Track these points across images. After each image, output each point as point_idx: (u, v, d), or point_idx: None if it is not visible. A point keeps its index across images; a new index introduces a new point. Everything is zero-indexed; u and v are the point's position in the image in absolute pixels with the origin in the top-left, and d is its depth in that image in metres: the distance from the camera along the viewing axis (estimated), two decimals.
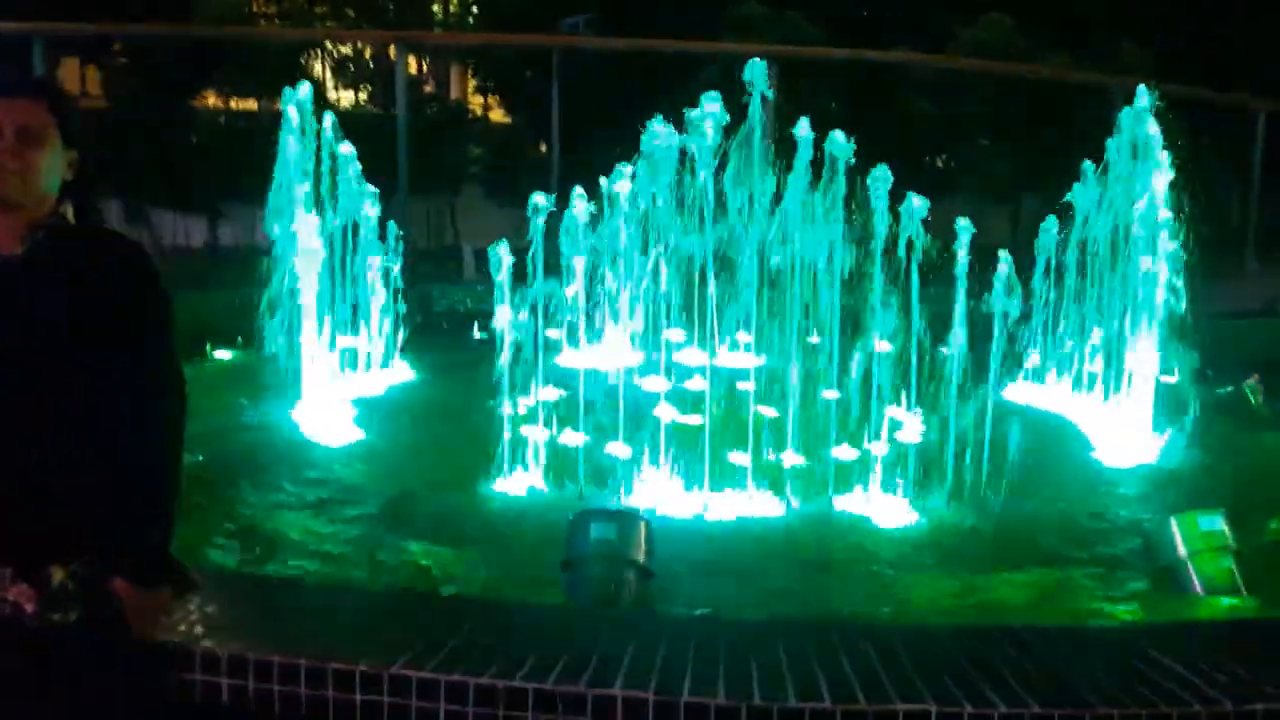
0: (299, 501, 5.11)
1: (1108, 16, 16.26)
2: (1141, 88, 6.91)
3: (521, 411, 5.64)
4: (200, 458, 4.88)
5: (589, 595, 3.69)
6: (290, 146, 6.99)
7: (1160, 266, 6.60)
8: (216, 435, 5.59)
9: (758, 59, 5.49)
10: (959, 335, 5.57)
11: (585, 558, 3.76)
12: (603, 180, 6.41)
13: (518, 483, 5.38)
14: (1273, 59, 16.32)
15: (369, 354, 7.75)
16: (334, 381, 6.91)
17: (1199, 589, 4.14)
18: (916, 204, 5.18)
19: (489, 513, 5.09)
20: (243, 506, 4.90)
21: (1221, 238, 6.67)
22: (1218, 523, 4.21)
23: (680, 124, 5.51)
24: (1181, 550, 4.19)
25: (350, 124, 8.18)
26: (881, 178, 5.28)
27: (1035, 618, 3.88)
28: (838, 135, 5.54)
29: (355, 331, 7.64)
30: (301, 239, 6.65)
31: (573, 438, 5.55)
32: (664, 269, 5.67)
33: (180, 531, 2.20)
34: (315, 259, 6.72)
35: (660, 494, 5.16)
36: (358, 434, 6.31)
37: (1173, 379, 6.71)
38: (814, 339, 5.99)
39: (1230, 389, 7.43)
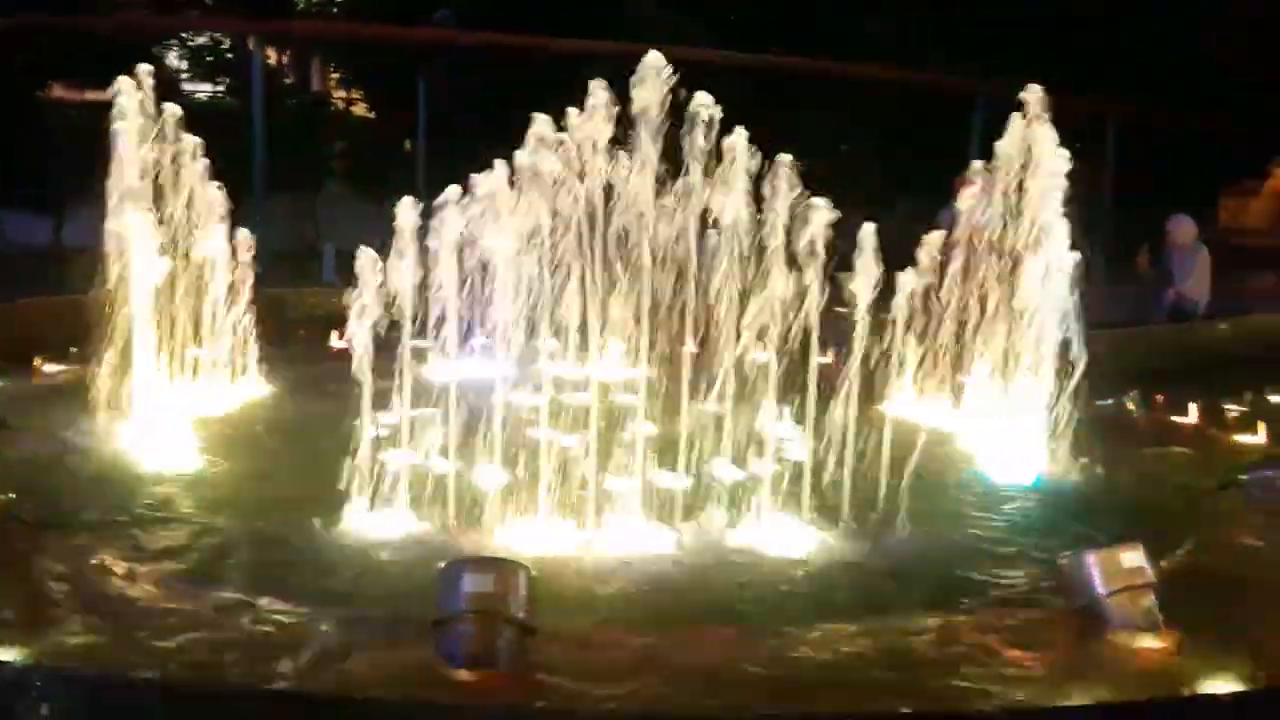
0: (115, 542, 4.53)
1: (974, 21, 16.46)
2: (1032, 90, 6.75)
3: (383, 433, 5.17)
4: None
5: (461, 657, 3.25)
6: (128, 140, 6.40)
7: (1046, 275, 6.46)
8: (33, 465, 5.09)
9: (651, 56, 5.15)
10: (849, 347, 5.31)
11: (457, 614, 3.32)
12: (475, 179, 5.98)
13: (377, 519, 4.89)
14: (1124, 64, 16.75)
15: (215, 366, 7.14)
16: (174, 399, 6.31)
17: (1119, 629, 3.89)
18: (818, 208, 4.93)
19: (342, 557, 4.62)
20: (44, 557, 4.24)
21: (1083, 245, 6.76)
22: (1138, 558, 3.97)
23: (560, 123, 5.17)
24: (1100, 589, 3.94)
25: (205, 117, 7.69)
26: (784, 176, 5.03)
27: (948, 670, 3.59)
28: (739, 135, 5.22)
29: (200, 342, 7.04)
30: (138, 240, 6.05)
31: (440, 463, 5.09)
32: (543, 275, 5.28)
33: None
34: (155, 262, 6.11)
35: (539, 529, 4.79)
36: (196, 459, 5.77)
37: (1058, 392, 6.57)
38: (697, 349, 5.65)
39: (1110, 402, 7.37)
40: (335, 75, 19.31)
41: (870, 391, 5.46)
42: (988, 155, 7.06)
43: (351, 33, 16.58)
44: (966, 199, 7.30)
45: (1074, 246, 6.32)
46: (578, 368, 5.48)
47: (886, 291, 5.46)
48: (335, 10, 18.95)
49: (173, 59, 17.09)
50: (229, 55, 17.50)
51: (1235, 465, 5.97)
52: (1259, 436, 7.01)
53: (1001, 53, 15.63)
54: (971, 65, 15.57)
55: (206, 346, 7.11)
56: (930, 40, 15.96)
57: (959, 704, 3.42)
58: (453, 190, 5.30)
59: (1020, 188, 6.77)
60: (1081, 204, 6.59)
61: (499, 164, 5.31)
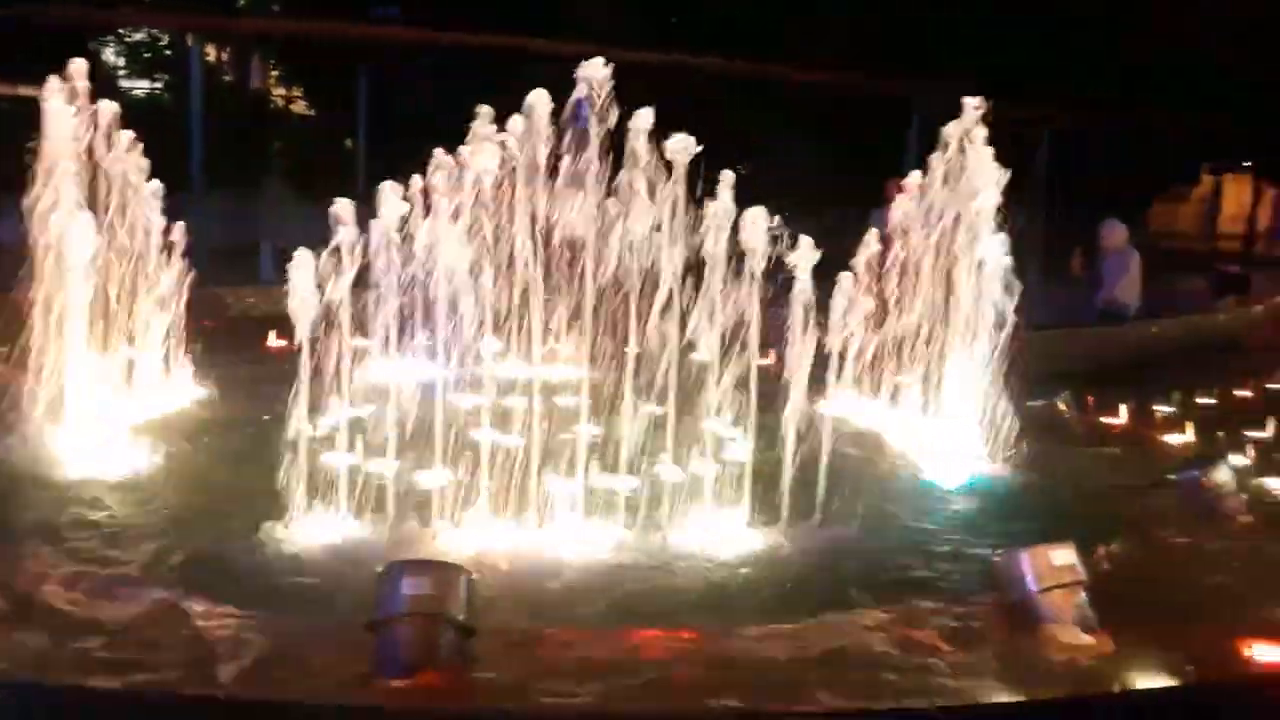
0: (47, 548, 4.47)
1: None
2: (968, 100, 6.83)
3: (322, 434, 5.11)
4: None
5: (400, 660, 3.23)
6: (61, 136, 6.26)
7: (981, 278, 6.54)
8: None
9: (592, 59, 5.14)
10: (787, 348, 5.34)
11: (396, 617, 3.30)
12: (416, 179, 5.95)
13: (315, 521, 4.82)
14: (1057, 71, 17.03)
15: (149, 367, 6.99)
16: (105, 401, 6.17)
17: (1051, 626, 3.96)
18: (759, 214, 4.94)
19: (279, 560, 4.55)
20: None
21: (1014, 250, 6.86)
22: (1069, 556, 4.04)
23: (500, 122, 5.21)
24: (1033, 586, 4.01)
25: (143, 114, 7.54)
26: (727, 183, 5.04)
27: (884, 667, 3.67)
28: (678, 138, 5.22)
29: (133, 342, 6.88)
30: (70, 238, 5.93)
31: (380, 465, 5.05)
32: (485, 272, 5.27)
33: None
34: (85, 259, 6.00)
35: (480, 531, 4.74)
36: (129, 464, 5.65)
37: (991, 393, 6.65)
38: (639, 350, 5.65)
39: (1044, 402, 7.47)
40: (275, 73, 19.07)
41: (810, 392, 5.51)
42: (924, 160, 7.16)
43: (292, 29, 16.39)
44: (900, 203, 7.38)
45: (1008, 250, 6.40)
46: (520, 368, 5.46)
47: (824, 293, 5.51)
48: (276, 8, 18.72)
49: (110, 55, 16.81)
50: (167, 52, 17.24)
51: (1165, 465, 6.09)
52: (1188, 436, 7.15)
53: (938, 60, 15.85)
54: (910, 71, 15.79)
55: (141, 347, 6.98)
56: (869, 47, 16.11)
57: (895, 700, 3.48)
58: (392, 188, 5.27)
59: (954, 193, 6.87)
60: (1015, 208, 6.68)
61: (439, 155, 5.28)
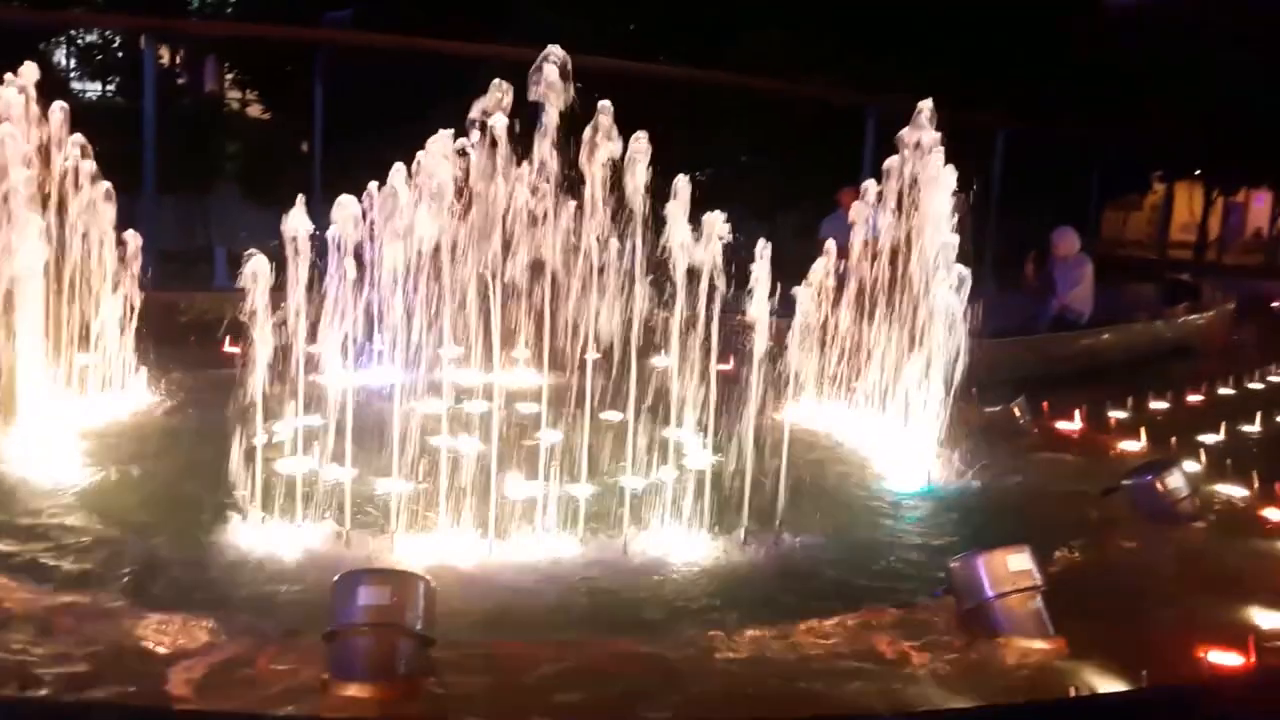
0: None
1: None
2: (923, 105, 6.87)
3: (276, 440, 5.06)
4: None
5: (357, 671, 3.20)
6: (10, 138, 6.14)
7: (935, 285, 6.58)
8: None
9: (548, 62, 5.12)
10: (746, 355, 5.34)
11: (353, 627, 3.26)
12: (373, 185, 5.88)
13: (270, 529, 4.76)
14: (1011, 80, 17.21)
15: (99, 373, 6.89)
16: (59, 406, 6.09)
17: (1008, 632, 3.99)
18: (716, 219, 4.94)
19: (234, 568, 4.48)
20: None
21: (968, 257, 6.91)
22: (1026, 561, 4.07)
23: (456, 124, 5.11)
24: (989, 591, 4.03)
25: (94, 116, 7.41)
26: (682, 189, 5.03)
27: (842, 674, 3.68)
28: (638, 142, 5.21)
29: (85, 348, 6.78)
30: (20, 242, 5.84)
31: (337, 472, 4.98)
32: (442, 278, 5.22)
33: None
34: (35, 263, 5.91)
35: (439, 539, 4.70)
36: (82, 468, 5.56)
37: (948, 399, 6.69)
38: (598, 355, 5.63)
39: (999, 409, 7.53)
40: (230, 76, 18.88)
41: (768, 399, 5.51)
42: (878, 168, 7.19)
43: (244, 31, 16.24)
44: (854, 210, 7.41)
45: (962, 257, 6.45)
46: (479, 375, 5.42)
47: (781, 300, 5.52)
48: (230, 10, 18.51)
49: (61, 57, 16.58)
50: (119, 54, 17.02)
51: (1119, 470, 6.15)
52: (1140, 441, 7.24)
53: (893, 68, 15.96)
54: (864, 79, 15.88)
55: (92, 352, 6.88)
56: (826, 55, 16.20)
57: (852, 707, 3.48)
58: (347, 196, 5.21)
59: (909, 199, 6.91)
60: (969, 214, 6.72)
61: (397, 168, 5.23)
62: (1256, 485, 6.12)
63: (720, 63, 15.77)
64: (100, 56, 16.73)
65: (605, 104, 5.11)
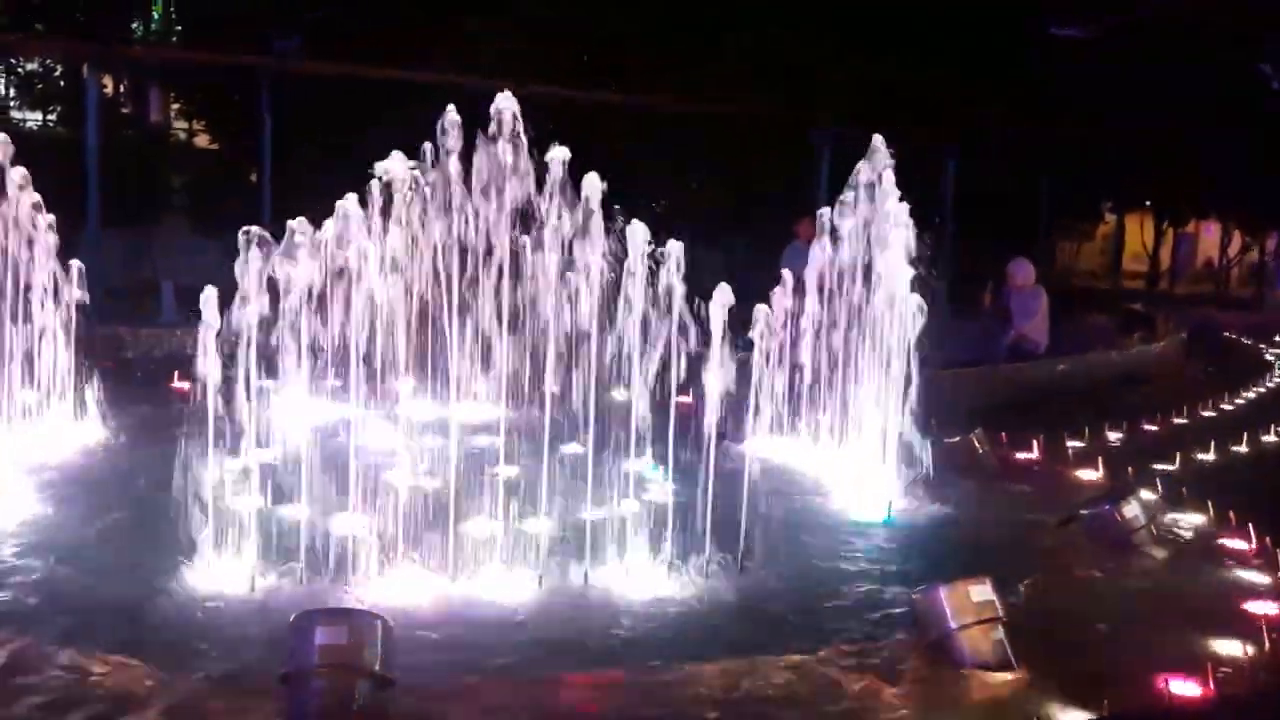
0: None
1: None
2: (877, 137, 6.91)
3: (227, 479, 4.94)
4: None
5: (313, 714, 3.11)
6: None
7: (894, 316, 6.60)
8: None
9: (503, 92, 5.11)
10: (705, 386, 5.31)
11: (309, 669, 3.17)
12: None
13: (222, 569, 4.64)
14: (963, 104, 17.42)
15: (42, 411, 6.75)
16: (2, 443, 5.94)
17: (969, 664, 3.97)
18: (674, 248, 4.94)
19: (185, 609, 4.35)
20: None
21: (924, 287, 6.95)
22: (987, 592, 4.06)
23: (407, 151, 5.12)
24: (951, 623, 4.01)
25: (35, 146, 7.27)
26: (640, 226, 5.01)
27: (805, 707, 3.69)
28: (593, 176, 5.20)
29: (26, 384, 6.64)
30: None
31: (292, 510, 4.89)
32: (397, 310, 5.16)
33: None
34: None
35: (397, 577, 4.62)
36: (26, 507, 5.42)
37: (907, 431, 6.71)
38: (555, 388, 5.58)
39: (958, 439, 7.55)
40: (176, 105, 18.63)
41: (728, 430, 5.48)
42: (832, 197, 7.21)
43: (190, 58, 16.05)
44: (811, 241, 7.43)
45: (919, 287, 6.47)
46: (436, 408, 5.35)
47: (741, 332, 5.50)
48: (175, 39, 18.29)
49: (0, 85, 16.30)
50: (61, 83, 16.74)
51: (1077, 500, 6.18)
52: (1098, 471, 7.29)
53: (846, 94, 16.11)
54: (816, 106, 16.02)
55: (35, 388, 6.72)
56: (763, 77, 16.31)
57: None
58: (300, 224, 5.13)
59: (865, 231, 6.94)
60: (925, 243, 6.75)
61: (349, 199, 5.16)
62: (1212, 513, 6.17)
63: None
64: (41, 85, 16.42)
65: (561, 152, 5.10)
